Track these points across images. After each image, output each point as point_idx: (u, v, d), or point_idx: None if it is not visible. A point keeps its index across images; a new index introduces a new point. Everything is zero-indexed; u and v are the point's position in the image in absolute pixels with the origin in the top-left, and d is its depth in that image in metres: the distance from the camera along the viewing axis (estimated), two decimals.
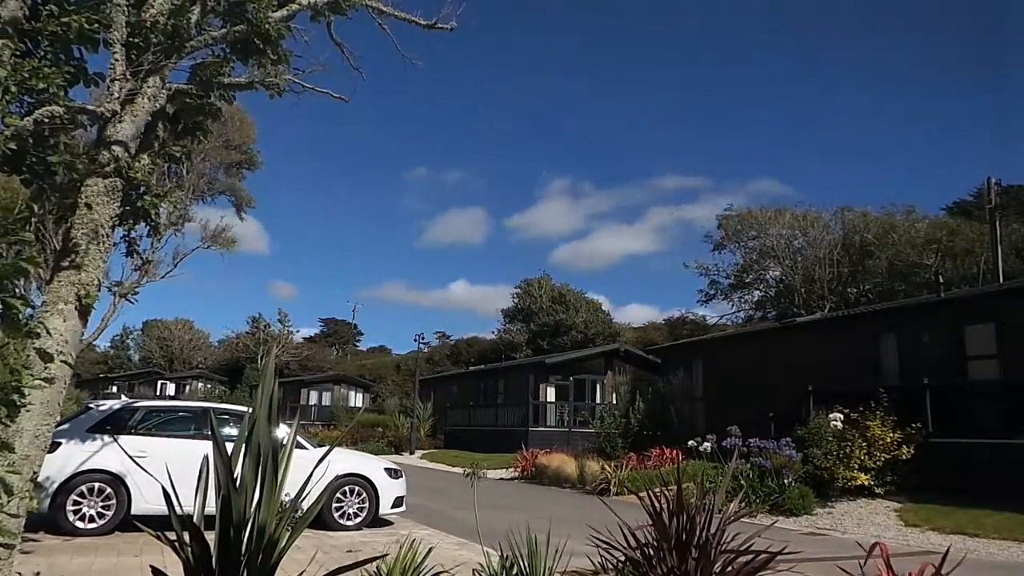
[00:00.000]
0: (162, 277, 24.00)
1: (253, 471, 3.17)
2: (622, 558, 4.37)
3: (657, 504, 4.31)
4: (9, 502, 3.84)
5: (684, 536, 4.15)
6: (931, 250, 35.85)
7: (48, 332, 4.60)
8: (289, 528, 3.21)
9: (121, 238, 6.23)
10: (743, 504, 11.97)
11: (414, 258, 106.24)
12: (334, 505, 9.53)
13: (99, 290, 5.17)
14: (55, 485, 8.18)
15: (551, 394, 29.59)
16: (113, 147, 5.31)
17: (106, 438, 8.64)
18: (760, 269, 45.51)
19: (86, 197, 5.10)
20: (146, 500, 8.46)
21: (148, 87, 5.49)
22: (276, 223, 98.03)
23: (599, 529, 4.53)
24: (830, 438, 13.39)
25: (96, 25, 4.96)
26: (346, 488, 9.67)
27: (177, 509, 3.11)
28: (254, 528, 3.11)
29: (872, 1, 75.54)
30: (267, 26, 5.83)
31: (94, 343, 43.07)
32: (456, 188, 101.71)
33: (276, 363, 3.66)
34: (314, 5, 6.52)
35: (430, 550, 4.85)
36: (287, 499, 3.34)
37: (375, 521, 9.94)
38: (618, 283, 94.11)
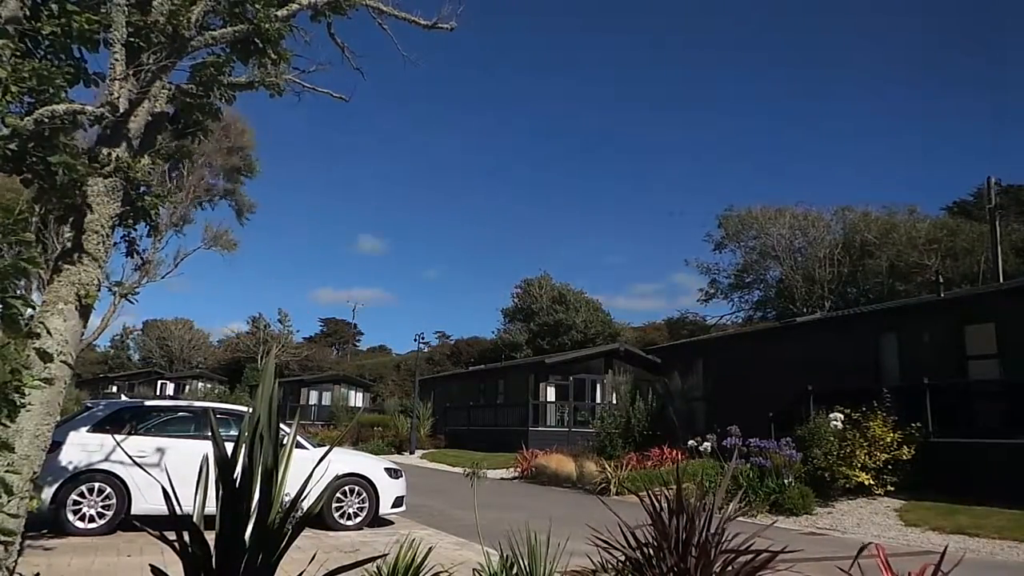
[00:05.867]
0: (162, 277, 24.07)
1: (253, 471, 3.16)
2: (622, 558, 4.37)
3: (657, 504, 4.31)
4: (9, 502, 3.84)
5: (684, 536, 4.15)
6: (931, 250, 35.85)
7: (48, 332, 4.60)
8: (289, 528, 3.20)
9: (121, 238, 6.24)
10: (743, 504, 11.98)
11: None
12: (334, 505, 9.53)
13: (99, 290, 5.18)
14: (55, 485, 8.18)
15: (551, 394, 29.58)
16: (113, 147, 5.31)
17: (106, 438, 8.64)
18: (760, 269, 45.56)
19: (86, 197, 5.10)
20: (146, 500, 8.47)
21: (149, 87, 5.50)
22: (277, 223, 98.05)
23: (599, 529, 4.53)
24: (830, 438, 13.39)
25: (96, 25, 4.95)
26: (346, 488, 9.67)
27: (177, 509, 3.11)
28: (254, 528, 3.10)
29: (872, 2, 75.57)
30: (267, 26, 5.83)
31: (94, 343, 43.10)
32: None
33: (276, 363, 3.65)
34: (314, 5, 6.51)
35: (430, 550, 4.85)
36: (287, 499, 3.33)
37: (375, 521, 9.94)
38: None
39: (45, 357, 4.03)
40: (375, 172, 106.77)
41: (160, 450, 8.83)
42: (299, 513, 3.27)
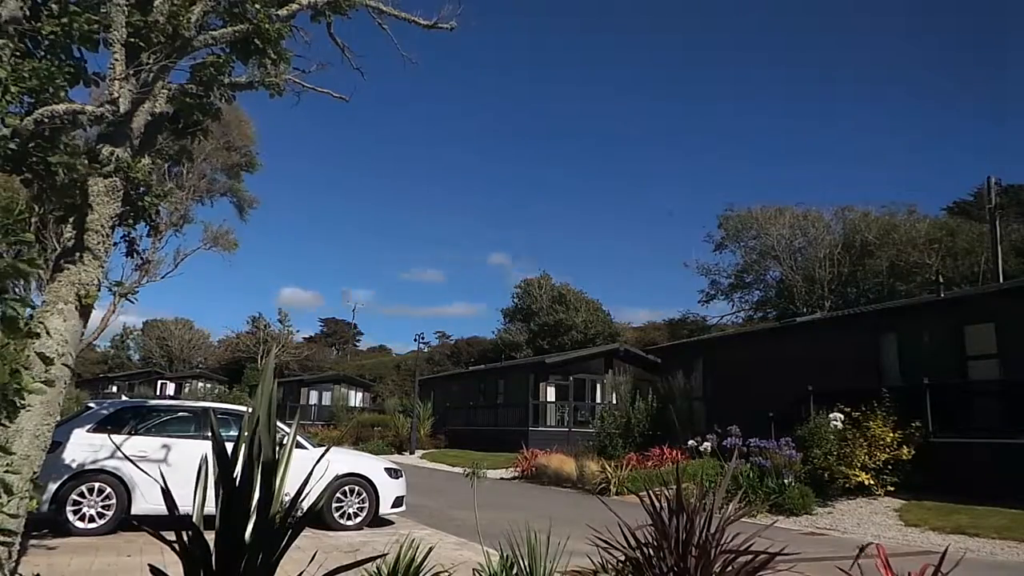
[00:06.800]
0: (162, 277, 24.13)
1: (253, 471, 3.16)
2: (622, 558, 4.37)
3: (657, 504, 4.31)
4: (9, 502, 3.84)
5: (684, 536, 4.15)
6: (931, 250, 35.83)
7: (48, 332, 4.60)
8: (289, 528, 3.20)
9: (121, 238, 6.25)
10: (743, 504, 11.97)
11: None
12: (334, 505, 9.54)
13: (99, 290, 5.18)
14: (55, 485, 8.18)
15: (551, 394, 29.58)
16: (114, 147, 5.32)
17: (106, 438, 8.64)
18: (760, 269, 45.54)
19: (87, 197, 5.11)
20: (146, 500, 8.47)
21: (150, 87, 5.50)
22: (277, 223, 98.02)
23: (599, 529, 4.53)
24: (830, 438, 13.39)
25: (96, 25, 4.96)
26: (346, 488, 9.67)
27: (177, 509, 3.11)
28: (254, 528, 3.10)
29: (872, 1, 75.57)
30: (267, 26, 5.84)
31: (94, 343, 43.12)
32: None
33: (276, 363, 3.65)
34: (314, 5, 6.52)
35: (430, 550, 4.85)
36: (287, 499, 3.33)
37: (375, 521, 9.94)
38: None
39: (45, 358, 4.03)
40: (374, 172, 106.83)
41: (160, 450, 8.83)
42: (299, 513, 3.27)
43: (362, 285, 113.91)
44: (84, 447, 8.61)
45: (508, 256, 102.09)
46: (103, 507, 8.45)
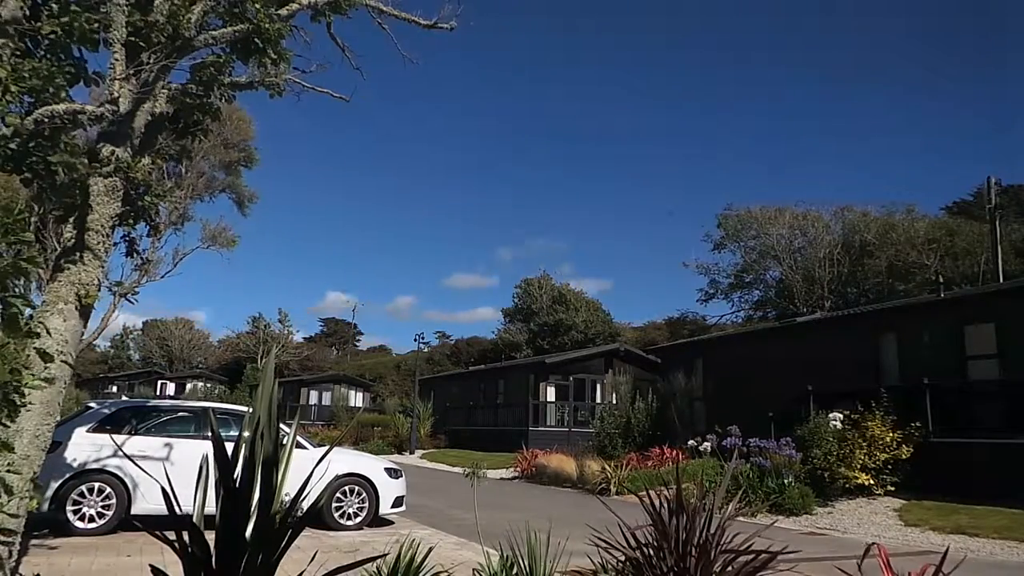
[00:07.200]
0: (162, 277, 24.07)
1: (253, 471, 3.16)
2: (622, 558, 4.37)
3: (657, 504, 4.31)
4: (9, 502, 3.84)
5: (684, 536, 4.15)
6: (931, 250, 35.83)
7: (48, 332, 4.60)
8: (289, 528, 3.20)
9: (121, 238, 6.25)
10: (743, 504, 11.98)
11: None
12: (334, 505, 9.54)
13: (99, 290, 5.18)
14: (56, 485, 8.17)
15: (551, 394, 29.58)
16: (114, 147, 5.32)
17: (106, 438, 8.64)
18: (760, 269, 45.54)
19: (87, 197, 5.11)
20: (146, 500, 8.48)
21: (151, 87, 5.50)
22: (278, 223, 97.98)
23: (599, 529, 4.52)
24: (830, 438, 13.39)
25: (96, 25, 4.96)
26: (346, 488, 9.68)
27: (177, 509, 3.11)
28: (254, 528, 3.10)
29: (872, 1, 75.56)
30: (267, 26, 5.84)
31: (94, 343, 43.09)
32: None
33: (276, 363, 3.64)
34: (314, 5, 6.52)
35: (430, 550, 4.85)
36: (287, 499, 3.33)
37: (375, 521, 9.94)
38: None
39: (45, 357, 4.03)
40: (373, 172, 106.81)
41: (160, 450, 8.84)
42: (299, 513, 3.27)
43: (406, 291, 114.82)
44: (84, 447, 8.61)
45: (572, 265, 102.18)
46: (103, 507, 8.45)
